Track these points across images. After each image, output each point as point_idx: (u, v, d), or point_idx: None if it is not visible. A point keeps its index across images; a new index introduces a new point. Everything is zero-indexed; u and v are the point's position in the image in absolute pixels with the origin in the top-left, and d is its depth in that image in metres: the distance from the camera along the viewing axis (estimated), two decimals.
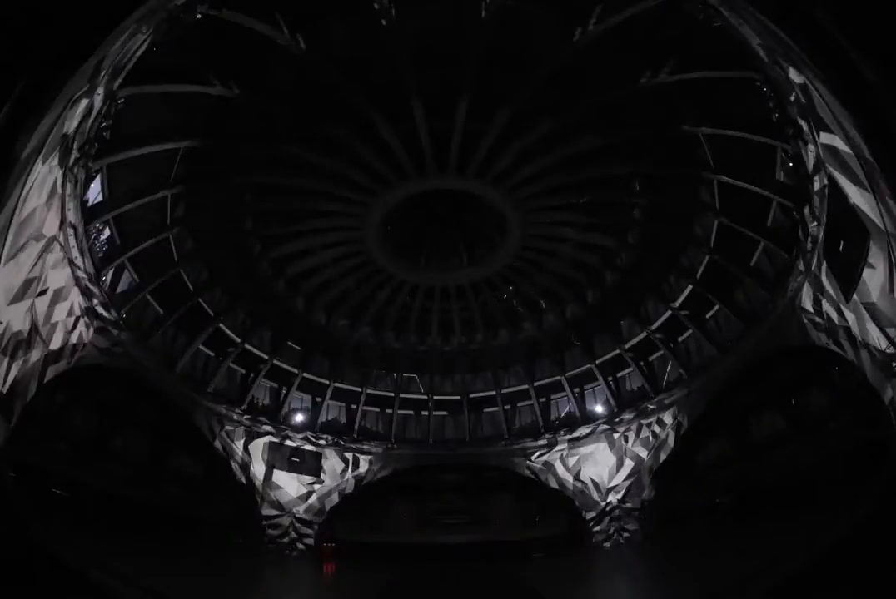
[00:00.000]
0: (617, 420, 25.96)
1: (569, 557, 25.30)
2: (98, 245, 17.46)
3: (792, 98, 11.86)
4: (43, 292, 13.42)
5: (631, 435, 25.45)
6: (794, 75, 10.64)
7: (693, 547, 20.99)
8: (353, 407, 28.48)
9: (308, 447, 26.62)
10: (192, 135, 17.34)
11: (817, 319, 15.44)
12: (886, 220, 9.97)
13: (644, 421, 25.09)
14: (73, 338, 15.94)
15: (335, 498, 26.50)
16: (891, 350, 11.91)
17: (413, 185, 20.23)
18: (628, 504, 24.86)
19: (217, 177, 19.30)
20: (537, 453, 27.39)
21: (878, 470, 14.26)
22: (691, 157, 18.96)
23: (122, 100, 13.75)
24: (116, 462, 21.77)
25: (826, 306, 14.66)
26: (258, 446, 25.15)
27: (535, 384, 28.66)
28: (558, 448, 27.14)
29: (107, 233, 18.07)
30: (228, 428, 24.20)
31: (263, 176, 19.93)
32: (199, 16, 12.41)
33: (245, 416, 24.85)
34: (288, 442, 26.10)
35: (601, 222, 23.03)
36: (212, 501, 24.36)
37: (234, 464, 24.03)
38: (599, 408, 26.90)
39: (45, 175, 11.19)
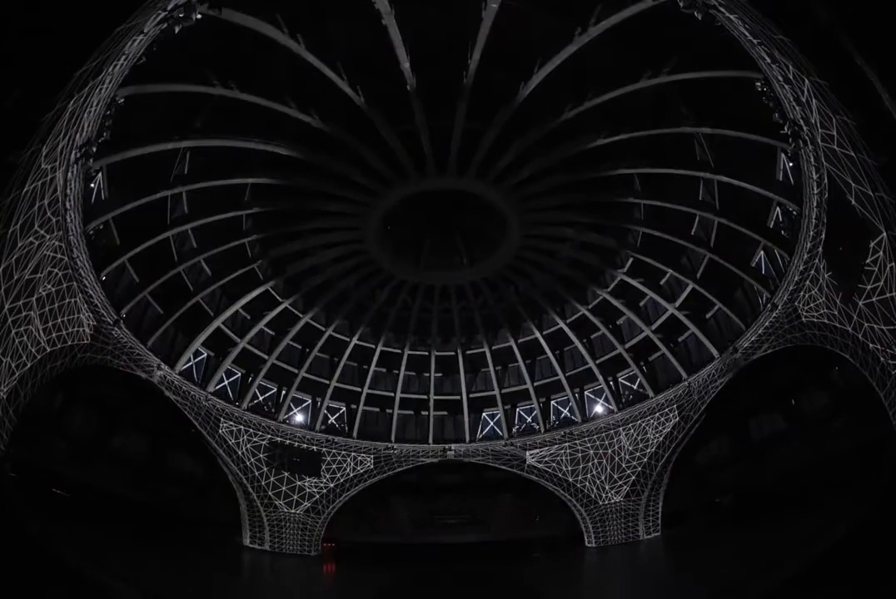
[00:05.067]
0: (617, 420, 26.00)
1: (569, 557, 25.31)
2: (98, 245, 17.44)
3: (792, 97, 11.87)
4: (43, 292, 13.45)
5: (631, 435, 25.46)
6: (795, 75, 10.65)
7: (693, 548, 21.00)
8: (353, 406, 28.49)
9: (308, 447, 26.63)
10: (192, 135, 17.32)
11: (817, 319, 15.46)
12: (886, 220, 10.00)
13: (644, 421, 25.11)
14: (73, 338, 15.97)
15: (335, 498, 26.50)
16: (890, 350, 11.94)
17: (413, 185, 20.21)
18: (628, 504, 24.89)
19: (217, 176, 19.28)
20: (537, 453, 27.42)
21: (878, 471, 14.25)
22: (691, 157, 18.97)
23: (122, 101, 13.74)
24: (116, 462, 21.78)
25: (826, 306, 14.68)
26: (258, 446, 25.16)
27: (535, 384, 28.66)
28: (558, 447, 27.15)
29: (107, 233, 18.06)
30: (228, 427, 24.23)
31: (264, 176, 19.92)
32: (198, 16, 12.40)
33: (245, 416, 24.89)
34: (288, 442, 26.11)
35: (601, 222, 23.03)
36: (212, 501, 24.38)
37: (233, 464, 24.04)
38: (599, 408, 26.94)
39: (45, 175, 11.19)
